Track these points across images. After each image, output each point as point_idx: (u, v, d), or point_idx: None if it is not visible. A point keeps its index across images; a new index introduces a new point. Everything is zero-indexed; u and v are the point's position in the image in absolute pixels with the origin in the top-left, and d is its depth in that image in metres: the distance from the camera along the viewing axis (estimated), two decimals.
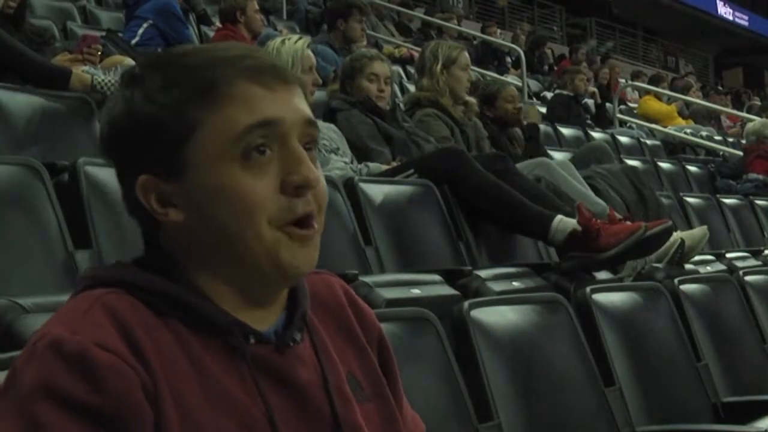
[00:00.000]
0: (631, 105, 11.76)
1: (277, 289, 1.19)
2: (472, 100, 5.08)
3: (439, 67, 4.87)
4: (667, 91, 11.68)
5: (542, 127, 7.62)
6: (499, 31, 13.50)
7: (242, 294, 1.17)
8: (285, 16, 9.46)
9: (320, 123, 4.16)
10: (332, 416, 1.18)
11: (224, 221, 1.13)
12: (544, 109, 8.94)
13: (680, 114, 11.16)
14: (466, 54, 5.06)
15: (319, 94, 4.57)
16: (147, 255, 1.19)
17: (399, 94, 6.91)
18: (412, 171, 3.91)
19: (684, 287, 3.42)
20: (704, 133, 10.02)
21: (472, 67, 5.78)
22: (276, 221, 1.14)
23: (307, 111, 1.19)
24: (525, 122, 5.68)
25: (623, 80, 12.45)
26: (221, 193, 1.13)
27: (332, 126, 4.21)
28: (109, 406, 1.05)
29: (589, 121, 9.01)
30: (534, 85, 10.94)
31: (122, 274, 1.15)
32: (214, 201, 1.13)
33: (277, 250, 1.14)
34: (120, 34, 5.30)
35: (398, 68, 8.31)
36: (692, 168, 7.82)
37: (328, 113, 4.47)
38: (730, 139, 10.46)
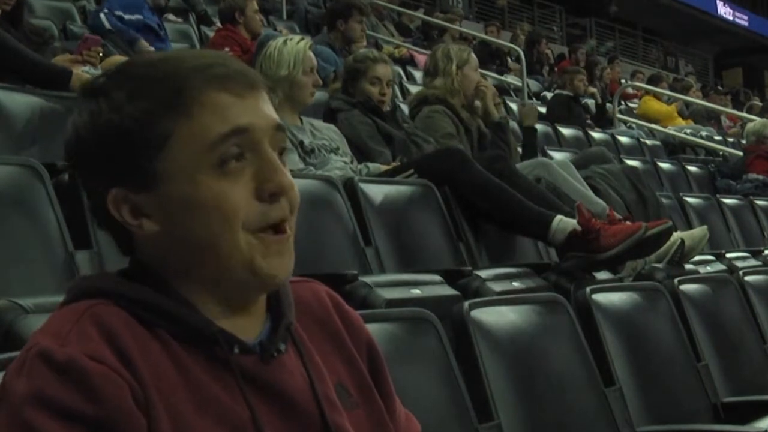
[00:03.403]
0: (631, 105, 11.76)
1: (256, 295, 1.19)
2: (476, 102, 5.08)
3: (454, 67, 4.88)
4: (667, 91, 11.68)
5: (540, 127, 7.63)
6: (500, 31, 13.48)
7: (221, 300, 1.17)
8: (285, 17, 9.45)
9: (320, 123, 4.17)
10: (322, 424, 1.18)
11: (201, 229, 1.13)
12: (543, 109, 8.94)
13: (680, 114, 11.16)
14: (474, 56, 5.09)
15: (320, 94, 4.56)
16: (132, 266, 1.19)
17: (399, 94, 6.91)
18: (412, 171, 3.91)
19: (684, 287, 3.42)
20: (704, 133, 10.02)
21: None
22: (250, 226, 1.14)
23: (276, 117, 1.19)
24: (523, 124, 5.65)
25: (624, 80, 12.47)
26: (197, 202, 1.13)
27: (332, 126, 4.21)
28: (102, 414, 1.04)
29: (589, 121, 9.01)
30: (534, 85, 10.94)
31: (110, 285, 1.15)
32: (191, 209, 1.13)
33: (252, 257, 1.14)
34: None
35: (398, 69, 8.30)
36: (692, 168, 7.83)
37: (329, 113, 4.47)
38: (730, 139, 10.47)
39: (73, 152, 1.18)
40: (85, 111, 1.16)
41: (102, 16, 5.72)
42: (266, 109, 1.18)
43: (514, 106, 8.53)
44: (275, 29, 7.74)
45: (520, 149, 5.33)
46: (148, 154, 1.13)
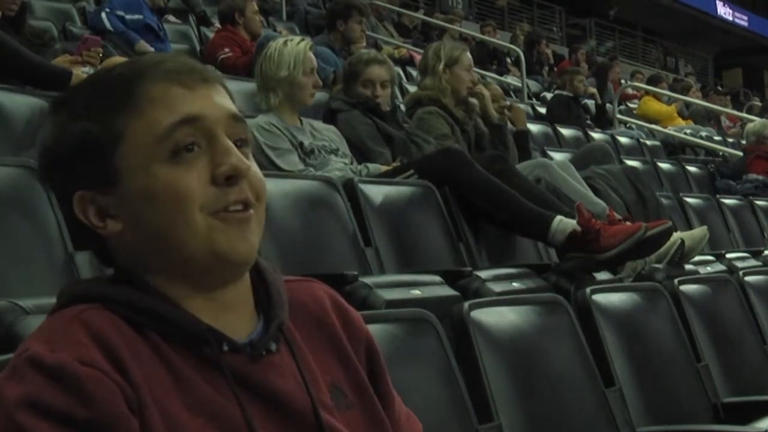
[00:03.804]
0: (631, 105, 11.76)
1: (226, 276, 1.18)
2: (473, 101, 5.08)
3: (441, 66, 4.88)
4: (666, 92, 11.68)
5: (540, 127, 7.64)
6: (498, 32, 13.47)
7: (201, 291, 1.17)
8: (284, 17, 9.45)
9: (320, 124, 4.17)
10: (313, 424, 1.18)
11: (159, 218, 1.14)
12: (543, 110, 8.94)
13: (680, 114, 11.15)
14: (469, 55, 5.07)
15: (320, 95, 4.57)
16: (116, 272, 1.20)
17: (399, 95, 6.90)
18: (411, 172, 3.91)
19: (684, 287, 3.42)
20: (704, 134, 10.02)
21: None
22: (208, 209, 1.14)
23: (232, 107, 1.20)
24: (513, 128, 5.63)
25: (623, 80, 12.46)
26: (152, 193, 1.14)
27: (332, 127, 4.21)
28: (95, 416, 1.05)
29: (588, 122, 9.01)
30: (534, 85, 10.93)
31: (98, 290, 1.16)
32: (147, 202, 1.14)
33: (212, 238, 1.14)
34: None
35: (398, 69, 8.29)
36: (692, 168, 7.83)
37: (329, 114, 4.47)
38: (730, 140, 10.46)
39: (42, 166, 1.21)
40: (50, 125, 1.20)
41: (103, 15, 5.73)
42: (220, 101, 1.19)
43: None
44: (275, 30, 7.75)
45: None
46: (106, 153, 1.15)
